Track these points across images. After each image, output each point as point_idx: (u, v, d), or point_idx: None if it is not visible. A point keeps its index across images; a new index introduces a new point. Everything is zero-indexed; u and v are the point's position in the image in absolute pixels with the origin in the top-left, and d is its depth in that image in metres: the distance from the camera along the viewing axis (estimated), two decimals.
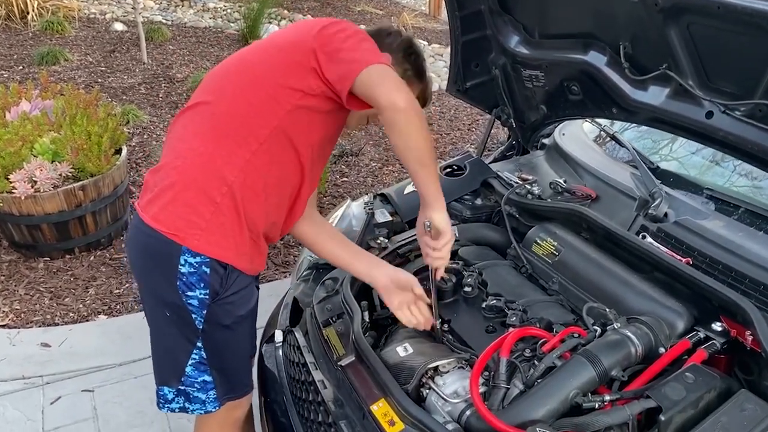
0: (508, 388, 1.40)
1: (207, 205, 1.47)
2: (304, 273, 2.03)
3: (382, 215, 2.06)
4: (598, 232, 1.82)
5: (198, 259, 1.47)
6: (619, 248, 1.75)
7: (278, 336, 1.93)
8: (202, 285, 1.49)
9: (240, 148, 1.47)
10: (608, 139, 2.28)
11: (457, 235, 1.86)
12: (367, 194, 2.21)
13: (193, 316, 1.52)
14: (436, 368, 1.50)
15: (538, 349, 1.47)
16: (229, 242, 1.50)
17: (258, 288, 1.79)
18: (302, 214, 1.67)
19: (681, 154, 2.13)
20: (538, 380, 1.40)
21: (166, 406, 1.67)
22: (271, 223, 1.58)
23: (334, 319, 1.75)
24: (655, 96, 1.73)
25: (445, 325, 1.67)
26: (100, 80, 5.75)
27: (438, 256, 1.56)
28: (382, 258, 1.88)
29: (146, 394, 2.55)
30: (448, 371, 1.50)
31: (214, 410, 1.67)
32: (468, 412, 1.40)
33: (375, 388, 1.47)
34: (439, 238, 1.54)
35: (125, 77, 5.86)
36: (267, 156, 1.48)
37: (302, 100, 1.46)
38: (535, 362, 1.45)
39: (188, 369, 1.60)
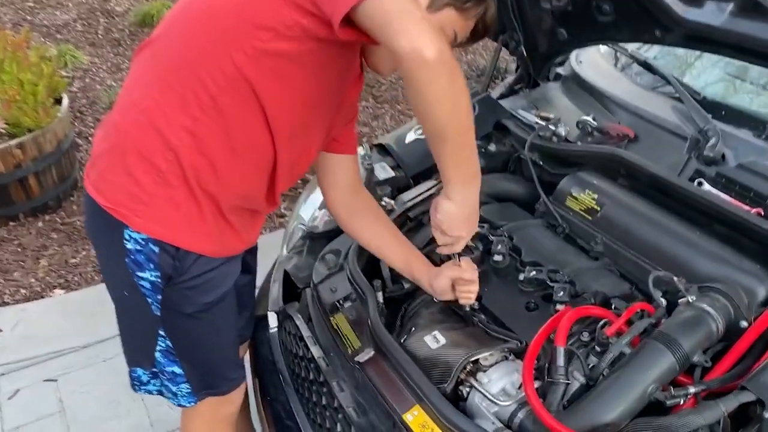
0: (568, 383, 1.15)
1: (150, 174, 1.15)
2: (297, 243, 1.73)
3: (383, 170, 1.75)
4: (641, 180, 1.55)
5: (143, 236, 1.18)
6: (670, 198, 1.49)
7: (272, 320, 1.65)
8: (151, 266, 1.20)
9: (187, 104, 1.13)
10: (629, 63, 1.98)
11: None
12: (361, 145, 1.89)
13: (148, 300, 1.25)
14: (476, 361, 1.24)
15: (598, 333, 1.22)
16: (182, 220, 1.19)
17: (254, 258, 1.49)
18: (292, 185, 1.35)
19: (718, 78, 1.85)
20: (604, 372, 1.15)
21: (141, 388, 1.43)
22: (243, 197, 1.26)
23: (341, 302, 1.47)
24: (714, 14, 1.43)
25: (475, 303, 1.40)
26: (29, 18, 5.15)
27: (447, 251, 1.30)
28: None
29: (119, 379, 2.24)
30: (491, 364, 1.24)
31: (189, 405, 1.42)
32: (521, 415, 1.16)
33: (406, 391, 1.21)
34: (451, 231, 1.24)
35: (57, 13, 5.27)
36: (222, 116, 1.14)
37: (272, 43, 1.07)
38: (596, 348, 1.21)
39: (157, 355, 1.34)
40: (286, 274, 1.73)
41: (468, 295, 1.35)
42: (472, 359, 1.22)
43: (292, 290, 1.73)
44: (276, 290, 1.71)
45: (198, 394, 1.40)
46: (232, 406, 1.52)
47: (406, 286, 1.53)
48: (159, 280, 1.22)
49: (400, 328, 1.47)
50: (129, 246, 1.18)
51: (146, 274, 1.21)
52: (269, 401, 1.52)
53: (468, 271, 1.33)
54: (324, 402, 1.33)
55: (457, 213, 1.18)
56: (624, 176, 1.61)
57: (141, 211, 1.16)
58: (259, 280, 1.67)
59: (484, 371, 1.23)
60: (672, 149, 1.59)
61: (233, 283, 1.35)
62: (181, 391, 1.39)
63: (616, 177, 1.62)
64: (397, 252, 1.45)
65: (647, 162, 1.53)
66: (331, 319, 1.42)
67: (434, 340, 1.29)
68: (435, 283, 1.38)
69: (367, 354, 1.31)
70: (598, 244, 1.47)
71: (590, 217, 1.52)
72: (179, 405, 1.42)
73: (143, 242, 1.18)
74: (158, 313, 1.27)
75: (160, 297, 1.24)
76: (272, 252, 1.86)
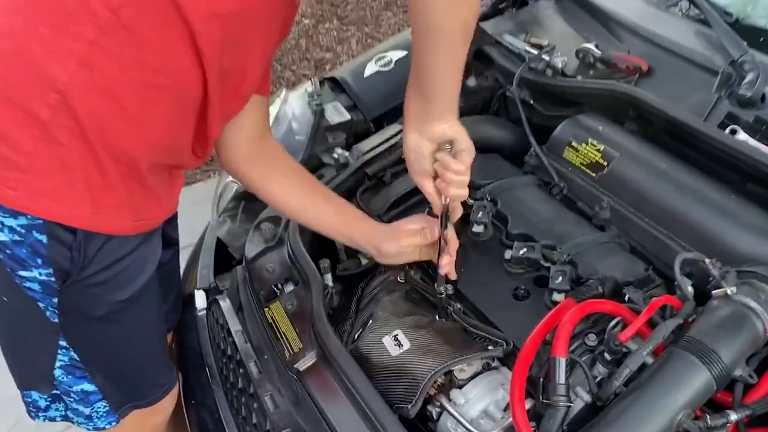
0: (569, 406, 0.87)
1: (26, 127, 0.82)
2: (229, 204, 1.40)
3: (336, 112, 1.40)
4: (657, 125, 1.23)
5: (22, 220, 0.85)
6: (694, 150, 1.18)
7: (199, 300, 1.34)
8: (38, 261, 0.89)
9: (76, 21, 0.78)
10: None
11: None
12: (310, 79, 1.53)
13: (40, 305, 0.95)
14: (449, 372, 0.95)
15: (609, 336, 0.93)
16: (78, 190, 0.86)
17: (175, 226, 1.21)
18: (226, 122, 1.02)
19: None
20: (617, 391, 0.87)
21: (40, 415, 1.13)
22: (163, 148, 0.93)
23: (280, 287, 1.15)
24: None
25: (449, 287, 1.10)
26: None
27: (462, 179, 0.98)
28: (343, 182, 1.26)
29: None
30: (469, 377, 0.95)
31: (110, 427, 1.13)
32: None
33: (357, 414, 0.92)
34: (462, 156, 0.96)
35: None
36: (129, 35, 0.79)
37: None
38: (605, 355, 0.92)
39: (58, 372, 1.04)
40: (218, 242, 1.41)
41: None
42: (444, 371, 0.93)
43: (226, 262, 1.42)
44: (206, 262, 1.39)
45: (120, 411, 1.12)
46: (162, 414, 1.23)
47: (364, 261, 1.22)
48: (52, 279, 0.91)
49: (355, 315, 1.17)
50: (2, 237, 0.86)
51: (32, 273, 0.89)
52: (194, 405, 1.23)
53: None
54: (254, 421, 1.04)
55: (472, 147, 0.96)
56: (634, 120, 1.28)
57: (15, 181, 0.83)
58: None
59: (460, 387, 0.94)
60: (697, 86, 1.25)
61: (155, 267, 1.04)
62: (97, 412, 1.10)
63: (624, 120, 1.30)
64: (325, 212, 1.13)
65: (665, 102, 1.21)
66: (266, 309, 1.11)
67: (395, 344, 0.99)
68: (387, 245, 1.09)
69: (308, 361, 1.01)
70: (603, 209, 1.16)
71: (594, 174, 1.20)
72: (95, 429, 1.13)
73: (23, 230, 0.86)
74: (56, 320, 0.96)
75: (56, 300, 0.94)
76: (194, 211, 1.53)
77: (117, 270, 0.96)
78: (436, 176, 0.98)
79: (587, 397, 0.90)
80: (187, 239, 1.37)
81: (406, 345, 0.98)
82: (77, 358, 1.03)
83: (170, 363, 1.22)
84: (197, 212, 1.85)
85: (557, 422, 0.87)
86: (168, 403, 1.21)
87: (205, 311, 1.31)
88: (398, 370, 0.96)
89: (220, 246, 1.42)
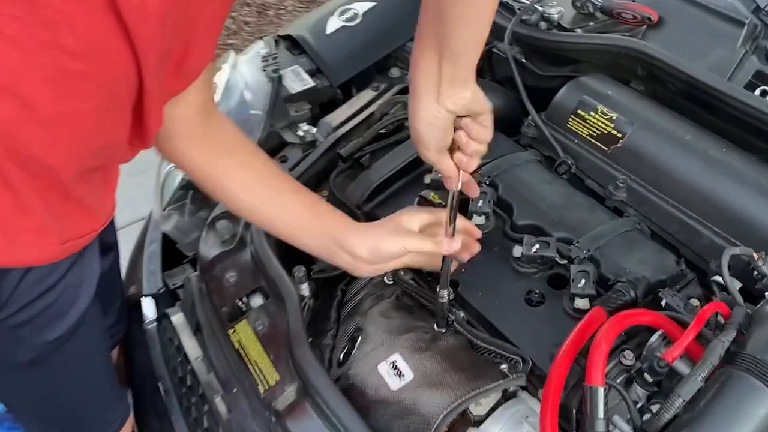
0: None
1: None
2: (175, 194, 1.18)
3: (297, 79, 1.18)
4: (670, 86, 1.07)
5: None
6: (716, 114, 1.03)
7: (147, 308, 1.13)
8: None
9: None
10: None
11: None
12: (261, 37, 1.30)
13: None
14: (463, 412, 0.79)
15: (649, 354, 0.78)
16: None
17: (112, 227, 1.00)
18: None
19: None
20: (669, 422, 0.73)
21: None
22: (91, 152, 0.70)
23: (245, 300, 0.96)
24: None
25: (450, 293, 0.92)
26: None
27: (483, 149, 0.82)
28: (312, 165, 1.06)
29: None
30: (487, 411, 0.79)
31: None
32: None
33: None
34: (485, 120, 0.81)
35: None
36: (29, 5, 0.56)
37: None
38: (645, 376, 0.77)
39: None
40: (165, 239, 1.20)
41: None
42: (460, 409, 0.77)
43: (175, 258, 1.21)
44: (152, 266, 1.18)
45: None
46: None
47: None
48: None
49: (336, 325, 0.99)
50: None
51: None
52: None
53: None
54: None
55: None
56: (643, 80, 1.12)
57: None
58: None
59: (476, 424, 0.78)
60: (717, 40, 1.09)
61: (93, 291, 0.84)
62: None
63: (630, 80, 1.13)
64: (290, 207, 0.90)
65: (681, 59, 1.04)
66: (231, 331, 0.92)
67: (394, 373, 0.82)
68: (386, 245, 0.87)
69: (288, 397, 0.83)
70: (619, 189, 1.00)
71: (606, 148, 1.03)
72: None
73: None
74: None
75: None
76: (132, 184, 1.30)
77: (43, 305, 0.75)
78: (451, 149, 0.82)
79: (627, 429, 0.76)
80: (125, 216, 1.15)
81: (408, 375, 0.81)
82: (2, 410, 0.83)
83: (120, 392, 1.03)
84: (136, 185, 1.63)
85: None
86: (127, 426, 1.03)
87: (155, 324, 1.11)
88: (401, 408, 0.79)
89: (167, 242, 1.21)
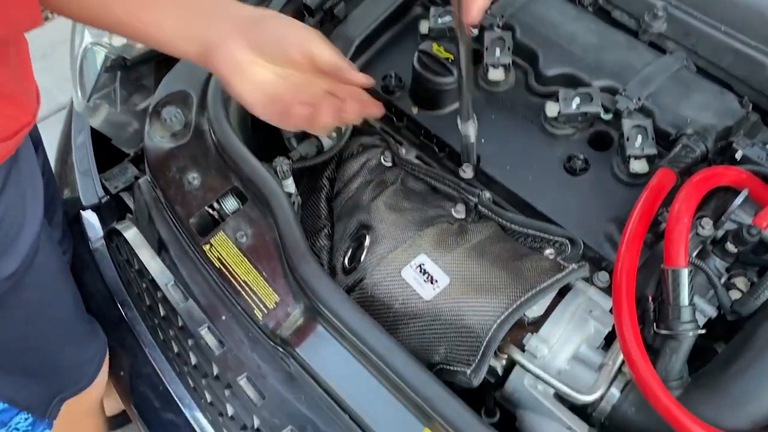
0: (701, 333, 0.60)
1: None
2: (101, 80, 0.92)
3: None
4: None
5: None
6: None
7: (90, 225, 0.92)
8: None
9: None
10: None
11: None
12: None
13: None
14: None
15: (735, 220, 0.64)
16: None
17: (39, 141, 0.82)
18: None
19: None
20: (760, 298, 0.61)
21: None
22: None
23: (216, 207, 0.76)
24: None
25: (469, 169, 0.75)
26: None
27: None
28: None
29: None
30: (544, 311, 0.65)
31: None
32: (614, 397, 0.62)
33: (384, 390, 0.62)
34: None
35: None
36: None
37: None
38: (728, 245, 0.64)
39: None
40: (96, 135, 0.96)
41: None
42: (516, 317, 0.62)
43: (111, 157, 0.98)
44: (83, 165, 0.95)
45: (48, 414, 0.84)
46: (99, 388, 0.91)
47: (327, 143, 0.83)
48: None
49: (330, 223, 0.82)
50: None
51: None
52: (124, 379, 0.88)
53: None
54: (230, 412, 0.71)
55: None
56: None
57: None
58: None
59: (533, 329, 0.64)
60: None
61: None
62: (18, 428, 0.91)
63: None
64: None
65: None
66: (207, 247, 0.72)
67: (423, 278, 0.66)
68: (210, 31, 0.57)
69: (294, 320, 0.67)
70: (657, 18, 0.81)
71: None
72: None
73: None
74: None
75: None
76: (40, 69, 1.03)
77: None
78: None
79: (711, 311, 0.64)
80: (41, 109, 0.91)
81: (442, 280, 0.65)
82: None
83: (92, 324, 0.86)
84: (45, 70, 1.36)
85: (682, 357, 0.61)
86: (103, 374, 0.88)
87: (103, 241, 0.90)
88: (440, 322, 0.64)
89: (99, 138, 0.97)
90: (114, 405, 1.15)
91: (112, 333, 0.89)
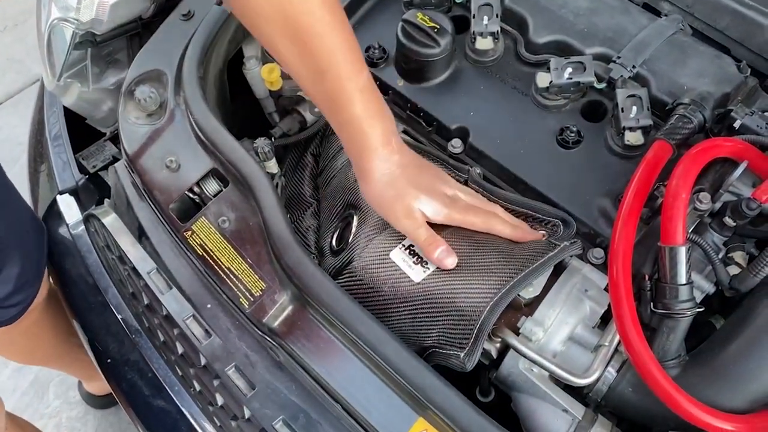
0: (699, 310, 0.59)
1: None
2: (72, 57, 0.87)
3: None
4: None
5: None
6: None
7: (66, 208, 0.89)
8: None
9: None
10: None
11: None
12: None
13: None
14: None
15: (732, 192, 0.62)
16: None
17: None
18: None
19: None
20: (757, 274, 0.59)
21: None
22: None
23: (197, 191, 0.73)
24: None
25: (458, 144, 0.72)
26: None
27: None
28: None
29: None
30: (539, 292, 0.63)
31: None
32: (610, 377, 0.61)
33: (375, 378, 0.60)
34: None
35: None
36: None
37: None
38: (726, 219, 0.62)
39: None
40: (69, 113, 0.92)
41: None
42: (510, 298, 0.60)
43: (88, 137, 0.95)
44: (56, 143, 0.92)
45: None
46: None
47: (309, 118, 0.80)
48: None
49: (316, 201, 0.79)
50: None
51: None
52: (111, 366, 0.86)
53: None
54: (220, 402, 0.69)
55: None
56: None
57: None
58: None
59: (528, 311, 0.63)
60: None
61: None
62: None
63: None
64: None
65: None
66: (189, 234, 0.70)
67: (413, 260, 0.64)
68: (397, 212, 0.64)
69: (282, 309, 0.65)
70: None
71: None
72: None
73: None
74: None
75: None
76: None
77: None
78: None
79: (709, 288, 0.62)
80: (14, 82, 0.87)
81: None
82: None
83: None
84: (16, 41, 1.32)
85: (679, 336, 0.59)
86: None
87: (83, 227, 0.88)
88: (431, 305, 0.62)
89: (72, 116, 0.93)
90: (101, 385, 1.13)
91: (96, 320, 0.87)
